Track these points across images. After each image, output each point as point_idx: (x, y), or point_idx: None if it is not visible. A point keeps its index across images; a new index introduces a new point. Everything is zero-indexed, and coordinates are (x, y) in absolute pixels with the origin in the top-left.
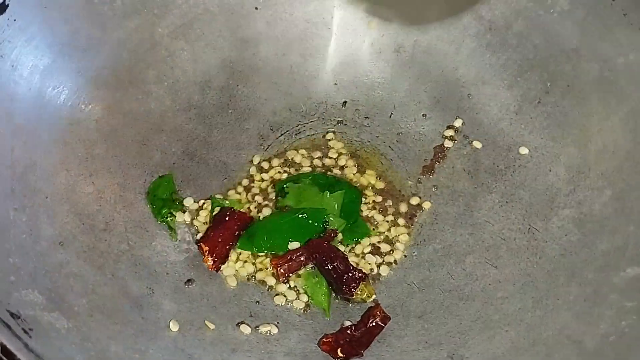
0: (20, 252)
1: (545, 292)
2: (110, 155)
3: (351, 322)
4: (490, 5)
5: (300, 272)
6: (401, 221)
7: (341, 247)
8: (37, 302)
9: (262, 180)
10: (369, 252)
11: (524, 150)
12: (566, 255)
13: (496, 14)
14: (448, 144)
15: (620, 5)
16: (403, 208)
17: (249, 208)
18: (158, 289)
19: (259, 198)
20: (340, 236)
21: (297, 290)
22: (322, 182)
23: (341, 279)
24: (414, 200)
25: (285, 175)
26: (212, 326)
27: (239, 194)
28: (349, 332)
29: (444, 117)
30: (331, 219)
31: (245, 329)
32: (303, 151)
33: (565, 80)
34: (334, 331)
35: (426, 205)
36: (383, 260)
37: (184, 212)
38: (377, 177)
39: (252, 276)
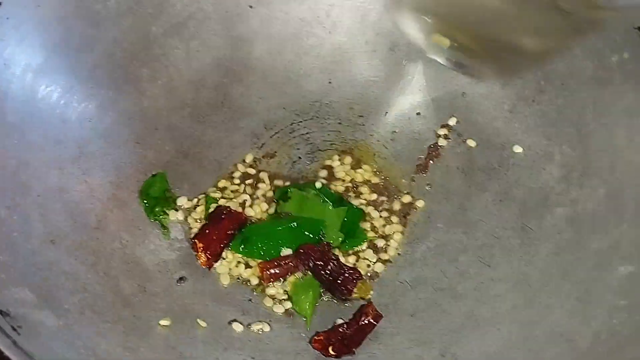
0: (10, 250)
1: (538, 290)
2: (103, 154)
3: (343, 320)
4: None
5: (290, 279)
6: (395, 219)
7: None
8: (27, 299)
9: (256, 173)
10: (366, 249)
11: (518, 149)
12: (559, 253)
13: None
14: (442, 142)
15: None
16: (397, 206)
17: (243, 202)
18: (150, 287)
19: (250, 190)
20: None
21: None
22: (327, 196)
23: (337, 281)
24: (408, 199)
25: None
26: (203, 324)
27: (234, 185)
28: (340, 330)
29: (438, 116)
30: (329, 232)
31: (238, 327)
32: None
33: (559, 79)
34: (326, 329)
35: (420, 203)
36: (378, 258)
37: (177, 210)
38: (374, 172)
39: (242, 276)
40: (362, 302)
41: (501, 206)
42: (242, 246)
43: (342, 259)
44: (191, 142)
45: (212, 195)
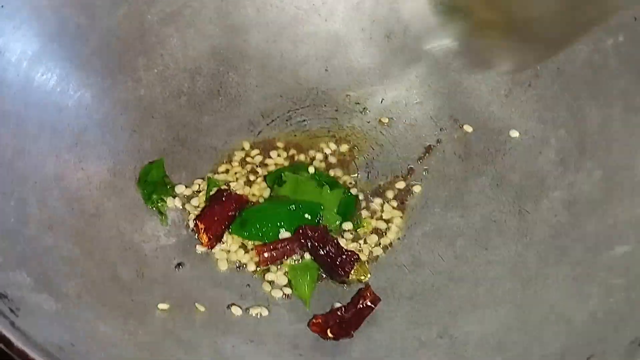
0: (8, 235)
1: (535, 272)
2: (100, 142)
3: (341, 303)
4: None
5: (287, 261)
6: (393, 204)
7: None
8: (25, 283)
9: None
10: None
11: (514, 134)
12: (556, 236)
13: None
14: (439, 128)
15: None
16: (394, 192)
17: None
18: (148, 273)
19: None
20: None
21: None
22: (322, 179)
23: (335, 262)
24: (404, 184)
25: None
26: (202, 308)
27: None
28: (339, 313)
29: (435, 102)
30: (327, 215)
31: (236, 311)
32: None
33: (555, 64)
34: (324, 313)
35: (417, 189)
36: (378, 242)
37: (174, 197)
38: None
39: (240, 262)
40: (360, 286)
41: (498, 190)
42: (242, 229)
43: (342, 243)
44: (188, 130)
45: (214, 178)
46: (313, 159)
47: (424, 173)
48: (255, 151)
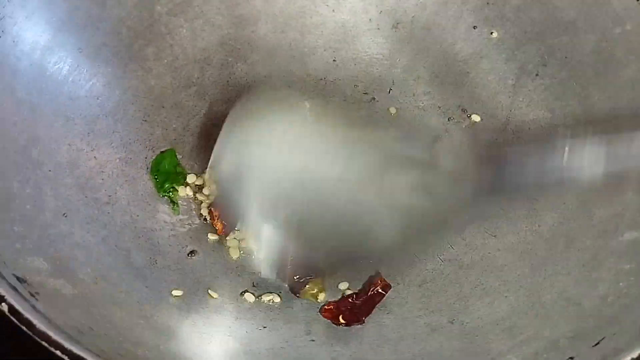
0: (24, 221)
1: (544, 258)
2: (111, 131)
3: (352, 290)
4: None
5: None
6: None
7: None
8: (43, 268)
9: None
10: None
11: (522, 123)
12: (565, 222)
13: None
14: (447, 117)
15: None
16: None
17: None
18: (161, 260)
19: None
20: None
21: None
22: None
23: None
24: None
25: None
26: (215, 295)
27: None
28: (350, 300)
29: (443, 92)
30: None
31: (250, 297)
32: None
33: (562, 52)
34: (336, 299)
35: None
36: None
37: (186, 186)
38: None
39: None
40: (371, 274)
41: None
42: None
43: None
44: (197, 120)
45: None
46: None
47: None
48: None
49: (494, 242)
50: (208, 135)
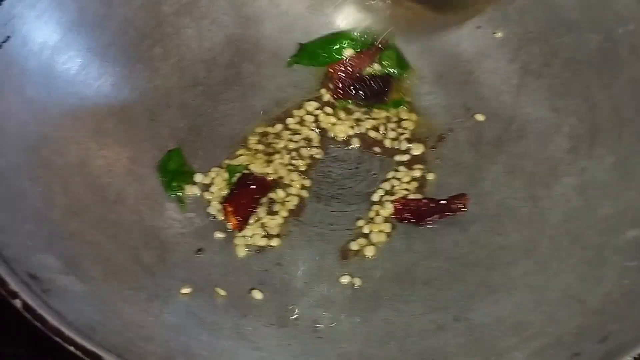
0: (35, 219)
1: (548, 256)
2: (119, 130)
3: None
4: None
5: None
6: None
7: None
8: (54, 266)
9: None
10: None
11: (526, 122)
12: (568, 221)
13: None
14: (451, 117)
15: None
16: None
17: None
18: (169, 258)
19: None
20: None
21: None
22: None
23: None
24: (418, 172)
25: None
26: (223, 292)
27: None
28: (424, 201)
29: (447, 91)
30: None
31: (257, 294)
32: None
33: (566, 52)
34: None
35: (430, 176)
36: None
37: (193, 185)
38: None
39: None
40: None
41: (510, 177)
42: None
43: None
44: (204, 120)
45: (232, 164)
46: None
47: (437, 161)
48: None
49: (499, 240)
50: (214, 134)
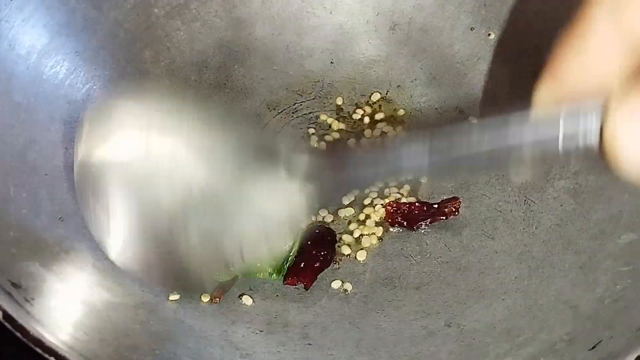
0: (20, 226)
1: (541, 261)
2: None
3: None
4: None
5: None
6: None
7: None
8: (38, 273)
9: None
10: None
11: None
12: (562, 224)
13: None
14: (444, 119)
15: None
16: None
17: None
18: None
19: None
20: None
21: None
22: None
23: None
24: (411, 175)
25: None
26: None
27: None
28: (417, 205)
29: (440, 94)
30: None
31: (247, 301)
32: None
33: None
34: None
35: (423, 179)
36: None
37: None
38: None
39: None
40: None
41: (503, 181)
42: None
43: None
44: None
45: None
46: None
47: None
48: None
49: (491, 244)
50: None
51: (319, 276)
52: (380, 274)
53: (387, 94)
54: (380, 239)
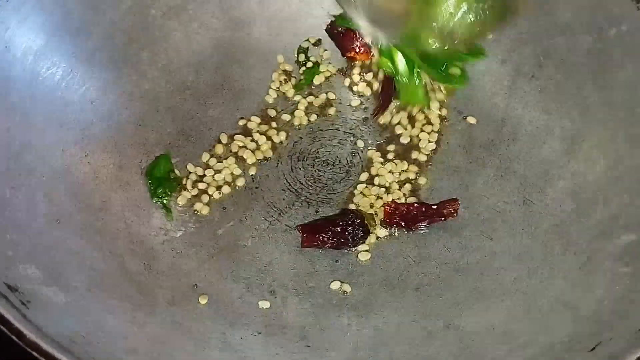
0: (17, 228)
1: (540, 261)
2: (105, 136)
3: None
4: None
5: None
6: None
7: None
8: (35, 276)
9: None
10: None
11: (518, 124)
12: (561, 225)
13: None
14: (442, 119)
15: None
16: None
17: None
18: (155, 266)
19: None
20: None
21: None
22: None
23: None
24: (412, 176)
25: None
26: (209, 301)
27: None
28: (415, 206)
29: (438, 94)
30: None
31: (245, 303)
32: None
33: (558, 54)
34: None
35: (422, 180)
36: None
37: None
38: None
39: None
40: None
41: (502, 181)
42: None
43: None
44: (192, 124)
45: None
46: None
47: (429, 166)
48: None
49: (490, 245)
50: (203, 139)
51: (319, 277)
52: (378, 275)
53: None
54: (379, 240)
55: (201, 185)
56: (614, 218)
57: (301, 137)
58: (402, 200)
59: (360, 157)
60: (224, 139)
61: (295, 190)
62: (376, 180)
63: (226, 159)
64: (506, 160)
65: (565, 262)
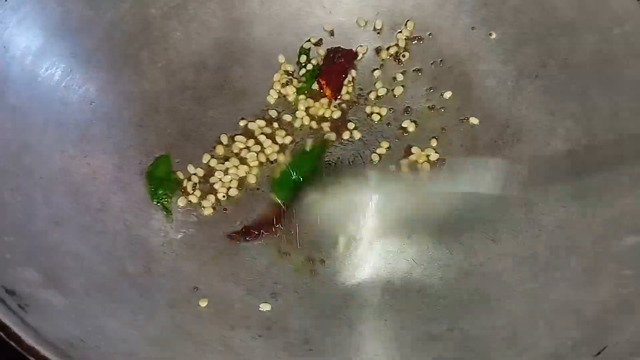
0: (15, 231)
1: (544, 264)
2: (105, 137)
3: None
4: None
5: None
6: None
7: None
8: (33, 279)
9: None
10: None
11: (522, 125)
12: (564, 227)
13: None
14: (445, 120)
15: None
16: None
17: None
18: (155, 268)
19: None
20: None
21: None
22: None
23: None
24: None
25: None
26: (209, 303)
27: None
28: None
29: (441, 94)
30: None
31: (245, 305)
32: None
33: (562, 54)
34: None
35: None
36: None
37: (184, 191)
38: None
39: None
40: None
41: (505, 183)
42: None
43: None
44: (193, 124)
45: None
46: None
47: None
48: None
49: (494, 247)
50: (203, 139)
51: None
52: (381, 276)
53: (386, 94)
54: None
55: (202, 187)
56: (618, 220)
57: (302, 138)
58: None
59: (362, 159)
60: (225, 139)
61: None
62: None
63: (227, 160)
64: (509, 161)
65: (568, 264)
